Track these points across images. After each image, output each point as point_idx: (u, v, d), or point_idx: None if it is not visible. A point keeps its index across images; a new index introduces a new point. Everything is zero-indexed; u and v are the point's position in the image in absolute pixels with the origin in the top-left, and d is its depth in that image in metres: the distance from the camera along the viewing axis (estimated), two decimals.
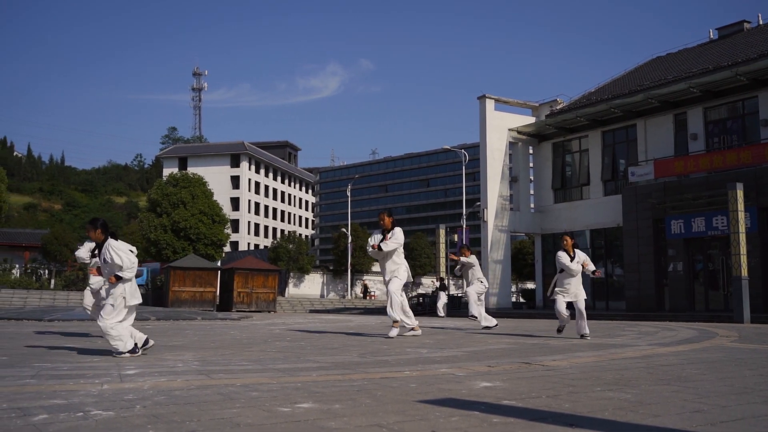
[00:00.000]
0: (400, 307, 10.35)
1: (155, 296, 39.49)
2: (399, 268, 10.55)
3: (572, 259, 11.02)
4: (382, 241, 10.52)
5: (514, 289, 51.92)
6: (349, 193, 63.53)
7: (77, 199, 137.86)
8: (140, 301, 7.14)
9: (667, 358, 7.39)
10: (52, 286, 50.13)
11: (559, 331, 11.42)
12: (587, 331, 10.66)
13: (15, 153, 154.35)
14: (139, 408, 3.83)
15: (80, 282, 51.13)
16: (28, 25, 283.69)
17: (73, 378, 5.21)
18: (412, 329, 10.66)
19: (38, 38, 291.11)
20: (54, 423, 3.38)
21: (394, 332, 10.39)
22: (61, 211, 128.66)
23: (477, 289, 14.38)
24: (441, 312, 29.24)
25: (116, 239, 7.07)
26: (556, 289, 11.13)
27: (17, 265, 54.24)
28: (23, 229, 69.94)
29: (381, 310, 38.57)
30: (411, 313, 10.63)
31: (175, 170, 64.84)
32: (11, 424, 3.34)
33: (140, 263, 51.72)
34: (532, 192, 37.17)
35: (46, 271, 55.80)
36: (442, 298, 30.44)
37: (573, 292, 10.96)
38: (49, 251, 54.60)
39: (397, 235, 10.54)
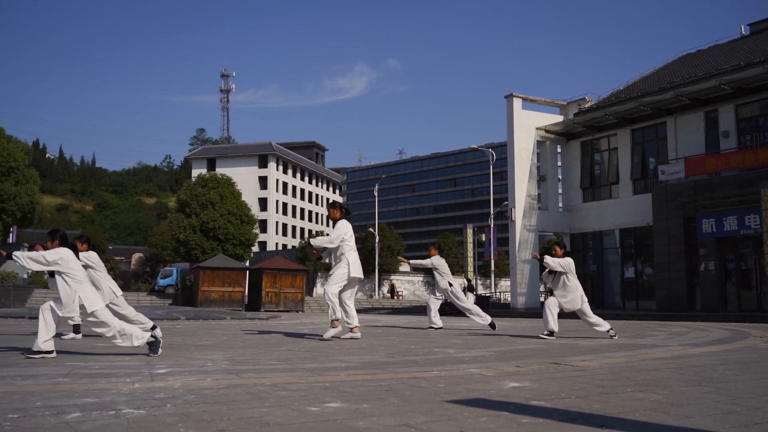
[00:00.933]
0: (334, 311, 9.65)
1: (185, 296, 39.88)
2: (336, 267, 9.73)
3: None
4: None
5: (542, 288, 51.56)
6: (376, 193, 63.55)
7: (108, 200, 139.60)
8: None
9: (699, 359, 7.30)
10: None
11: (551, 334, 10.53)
12: (606, 327, 10.54)
13: (47, 155, 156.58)
14: (169, 407, 3.87)
15: None
16: (58, 30, 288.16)
17: (104, 377, 5.28)
18: (351, 330, 9.92)
19: (68, 42, 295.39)
20: (87, 421, 3.42)
21: (330, 333, 9.74)
22: (92, 212, 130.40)
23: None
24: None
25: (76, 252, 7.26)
26: (556, 292, 10.71)
27: None
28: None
29: (409, 310, 38.59)
30: (352, 315, 9.83)
31: (204, 171, 65.34)
32: (45, 422, 3.39)
33: (170, 263, 52.52)
34: (560, 191, 36.91)
35: None
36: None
37: (570, 300, 10.54)
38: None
39: (336, 230, 9.71)
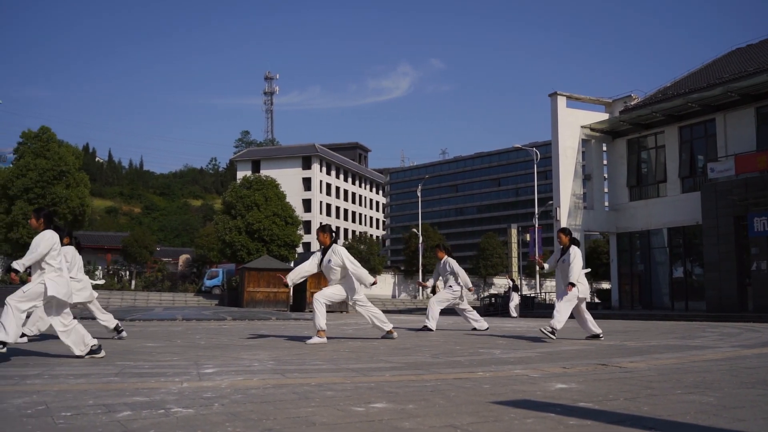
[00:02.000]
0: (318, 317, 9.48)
1: (231, 297, 40.40)
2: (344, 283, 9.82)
3: (560, 256, 10.26)
4: (321, 262, 9.82)
5: (589, 289, 50.89)
6: (419, 194, 63.51)
7: (155, 203, 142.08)
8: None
9: (752, 361, 7.12)
10: (132, 286, 51.90)
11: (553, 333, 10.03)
12: (597, 330, 10.24)
13: (97, 159, 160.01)
14: (217, 406, 3.92)
15: (159, 283, 52.77)
16: (106, 39, 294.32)
17: (154, 376, 5.37)
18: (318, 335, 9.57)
19: (116, 49, 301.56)
20: (137, 420, 3.49)
21: (314, 340, 9.42)
22: (141, 214, 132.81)
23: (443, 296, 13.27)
24: (513, 312, 29.00)
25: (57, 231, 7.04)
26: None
27: (100, 267, 56.30)
28: (105, 232, 72.56)
29: (453, 311, 38.40)
30: (320, 321, 9.47)
31: (249, 173, 66.02)
32: (97, 420, 3.47)
33: (216, 265, 53.22)
34: (606, 190, 36.39)
35: (127, 273, 57.74)
36: (515, 299, 30.18)
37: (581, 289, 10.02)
38: (129, 253, 56.42)
39: (341, 256, 9.69)
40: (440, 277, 13.62)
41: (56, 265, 6.78)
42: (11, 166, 39.67)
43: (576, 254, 10.05)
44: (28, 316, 8.29)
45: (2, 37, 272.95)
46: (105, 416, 3.58)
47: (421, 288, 58.58)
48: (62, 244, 8.86)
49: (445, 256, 13.58)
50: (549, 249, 52.77)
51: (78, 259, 9.50)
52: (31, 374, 5.50)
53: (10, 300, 6.46)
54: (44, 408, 3.83)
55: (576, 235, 32.99)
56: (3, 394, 4.36)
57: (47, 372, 5.66)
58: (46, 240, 6.72)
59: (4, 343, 6.39)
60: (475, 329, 13.08)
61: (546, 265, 10.80)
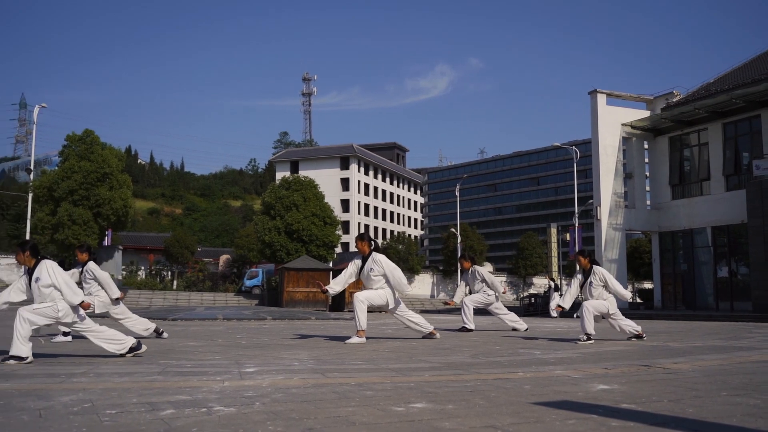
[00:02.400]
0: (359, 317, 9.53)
1: (270, 296, 40.73)
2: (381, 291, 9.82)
3: (584, 280, 9.99)
4: (361, 270, 9.78)
5: (630, 289, 50.11)
6: (457, 193, 63.21)
7: (196, 204, 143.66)
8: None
9: None
10: (174, 286, 52.61)
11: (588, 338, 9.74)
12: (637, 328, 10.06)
13: (139, 161, 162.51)
14: (258, 405, 3.95)
15: (200, 283, 53.42)
16: (145, 43, 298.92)
17: (196, 375, 5.44)
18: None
19: (157, 53, 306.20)
20: (180, 418, 3.54)
21: (353, 339, 9.46)
22: (182, 215, 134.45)
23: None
24: (554, 313, 28.79)
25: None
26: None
27: (143, 267, 57.25)
28: (147, 233, 73.71)
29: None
30: (361, 321, 9.51)
31: (288, 174, 66.43)
32: (141, 418, 3.53)
33: (256, 265, 53.67)
34: (647, 188, 35.83)
35: (169, 273, 58.55)
36: (556, 299, 29.95)
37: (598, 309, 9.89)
38: (171, 254, 57.20)
39: (382, 266, 9.71)
40: (467, 287, 13.47)
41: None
42: (57, 168, 40.50)
43: (606, 274, 10.03)
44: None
45: (47, 44, 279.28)
46: (149, 414, 3.64)
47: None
48: (81, 261, 9.01)
49: (472, 266, 13.39)
50: (589, 248, 52.14)
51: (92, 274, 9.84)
52: (77, 372, 5.62)
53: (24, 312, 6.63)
54: (90, 406, 3.91)
55: (616, 234, 32.78)
56: (51, 392, 4.46)
57: (93, 370, 5.77)
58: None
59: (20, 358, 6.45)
60: (515, 329, 12.95)
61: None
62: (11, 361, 6.35)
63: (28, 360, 6.43)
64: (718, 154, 30.93)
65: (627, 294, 10.40)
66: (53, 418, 3.54)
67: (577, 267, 10.52)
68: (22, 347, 6.44)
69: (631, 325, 10.07)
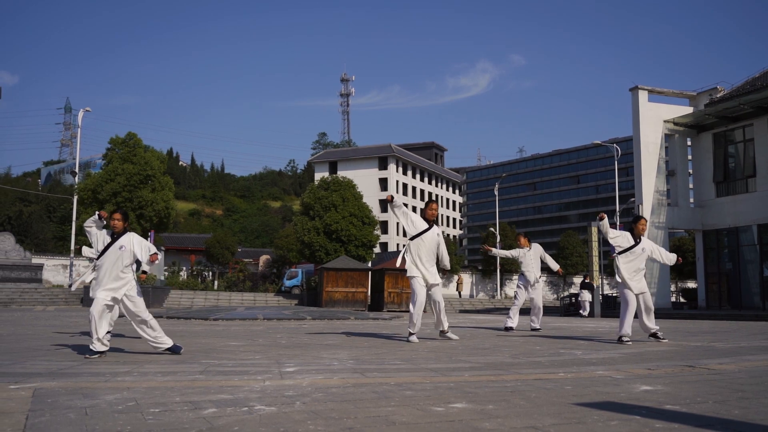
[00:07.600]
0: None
1: (310, 297, 40.92)
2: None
3: (636, 244, 9.90)
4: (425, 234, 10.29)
5: (673, 288, 49.27)
6: (496, 192, 62.85)
7: (236, 205, 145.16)
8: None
9: None
10: (215, 287, 53.19)
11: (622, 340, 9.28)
12: (656, 327, 9.72)
13: (180, 163, 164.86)
14: (299, 404, 3.98)
15: (241, 283, 53.94)
16: (188, 47, 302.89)
17: (237, 374, 5.50)
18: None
19: (196, 57, 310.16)
20: (222, 417, 3.58)
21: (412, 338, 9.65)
22: (222, 216, 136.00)
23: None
24: (583, 312, 28.67)
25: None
26: (624, 276, 9.52)
27: (184, 268, 57.95)
28: (189, 234, 74.63)
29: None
30: (415, 322, 9.67)
31: (326, 174, 66.64)
32: (184, 417, 3.57)
33: (295, 265, 54.04)
34: (691, 186, 35.20)
35: (210, 273, 59.20)
36: (585, 297, 29.84)
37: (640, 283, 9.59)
38: (212, 254, 57.81)
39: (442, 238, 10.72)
40: (522, 264, 13.48)
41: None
42: (101, 171, 41.24)
43: (652, 244, 10.21)
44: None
45: (91, 49, 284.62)
46: (191, 413, 3.69)
47: (499, 288, 58.04)
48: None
49: (531, 244, 13.59)
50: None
51: None
52: (121, 371, 5.72)
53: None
54: (134, 404, 3.97)
55: (659, 232, 32.26)
56: (96, 391, 4.55)
57: (137, 369, 5.87)
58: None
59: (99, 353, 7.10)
60: (534, 329, 13.02)
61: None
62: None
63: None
64: (764, 150, 30.25)
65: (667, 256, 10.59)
66: (99, 416, 3.61)
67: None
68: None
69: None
